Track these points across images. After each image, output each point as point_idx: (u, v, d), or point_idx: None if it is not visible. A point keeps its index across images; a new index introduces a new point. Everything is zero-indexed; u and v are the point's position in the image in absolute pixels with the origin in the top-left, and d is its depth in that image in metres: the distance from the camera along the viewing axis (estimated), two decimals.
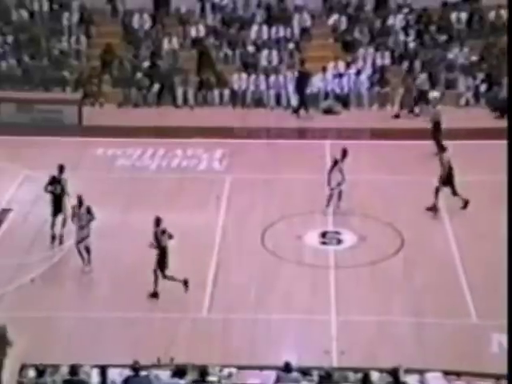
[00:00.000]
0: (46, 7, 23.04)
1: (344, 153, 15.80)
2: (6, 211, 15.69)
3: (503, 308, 10.74)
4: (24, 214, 15.90)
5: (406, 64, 21.93)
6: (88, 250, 14.17)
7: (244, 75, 21.82)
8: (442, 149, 16.56)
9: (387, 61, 22.11)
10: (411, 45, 22.28)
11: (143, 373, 10.75)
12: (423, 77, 21.21)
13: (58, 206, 14.88)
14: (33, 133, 19.29)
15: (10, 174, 16.01)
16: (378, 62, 22.05)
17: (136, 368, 10.67)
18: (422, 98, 20.70)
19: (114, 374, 10.91)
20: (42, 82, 21.56)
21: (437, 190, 15.72)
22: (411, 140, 19.21)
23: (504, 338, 11.70)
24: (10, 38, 22.03)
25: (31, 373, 10.77)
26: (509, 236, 13.44)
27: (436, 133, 18.38)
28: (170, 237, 13.51)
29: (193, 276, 13.88)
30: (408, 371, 10.89)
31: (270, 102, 21.61)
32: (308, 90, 21.23)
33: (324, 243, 15.22)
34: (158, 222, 13.51)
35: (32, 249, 14.78)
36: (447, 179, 15.68)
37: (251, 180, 17.46)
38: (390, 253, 14.73)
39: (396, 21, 22.68)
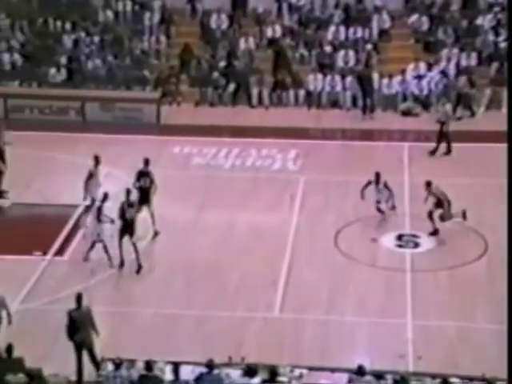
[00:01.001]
0: (129, 7, 23.58)
1: (377, 177, 15.50)
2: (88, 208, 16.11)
3: None
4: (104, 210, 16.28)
5: (495, 65, 21.35)
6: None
7: (320, 76, 21.75)
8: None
9: (473, 62, 21.61)
10: (502, 45, 21.69)
11: (215, 371, 10.87)
12: (463, 79, 20.68)
13: (144, 198, 15.16)
14: (114, 131, 19.78)
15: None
16: (464, 63, 21.57)
17: (210, 366, 10.81)
18: (462, 100, 20.29)
19: (187, 371, 11.07)
20: (124, 81, 22.08)
21: (430, 214, 15.01)
22: (491, 143, 18.72)
23: None
24: (96, 39, 22.66)
25: (109, 366, 11.06)
26: (509, 236, 13.23)
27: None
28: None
29: (265, 275, 13.99)
30: (493, 381, 10.60)
31: (346, 103, 21.49)
32: (386, 92, 20.99)
33: (400, 246, 15.03)
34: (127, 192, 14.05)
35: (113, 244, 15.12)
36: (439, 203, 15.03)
37: (325, 181, 17.39)
38: (472, 257, 14.41)
39: (485, 20, 22.13)
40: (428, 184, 15.13)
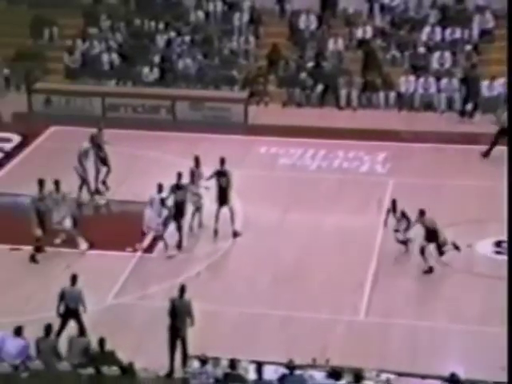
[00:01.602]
0: (219, 8, 23.82)
1: (393, 205, 14.81)
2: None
3: None
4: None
5: None
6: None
7: (412, 77, 21.33)
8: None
9: None
10: None
11: (298, 372, 10.82)
12: None
13: (223, 199, 15.28)
14: (202, 130, 20.00)
15: (180, 169, 16.60)
16: None
17: (291, 367, 10.76)
18: None
19: (270, 371, 11.08)
20: (213, 80, 22.30)
21: (422, 250, 14.11)
22: None
23: None
24: (187, 38, 22.97)
25: (195, 363, 11.17)
26: (509, 236, 13.01)
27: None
28: None
29: (351, 278, 13.82)
30: None
31: (440, 106, 20.95)
32: (486, 94, 20.39)
33: (498, 253, 14.54)
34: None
35: (198, 242, 15.32)
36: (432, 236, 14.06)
37: (416, 184, 17.02)
38: None
39: None
40: (421, 213, 14.10)
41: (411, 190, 16.58)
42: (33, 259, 14.46)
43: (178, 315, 11.65)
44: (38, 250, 14.53)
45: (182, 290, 11.83)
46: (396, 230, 14.52)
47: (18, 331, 11.19)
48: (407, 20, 22.57)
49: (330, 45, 22.52)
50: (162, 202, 14.80)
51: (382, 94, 21.41)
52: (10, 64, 22.45)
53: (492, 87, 20.55)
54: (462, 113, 20.40)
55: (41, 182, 14.73)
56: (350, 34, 22.74)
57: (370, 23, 22.77)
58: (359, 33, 22.64)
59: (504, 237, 14.75)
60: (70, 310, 12.01)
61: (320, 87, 21.73)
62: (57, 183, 14.88)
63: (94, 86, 22.05)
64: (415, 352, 12.10)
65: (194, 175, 15.51)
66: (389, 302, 13.29)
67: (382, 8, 22.93)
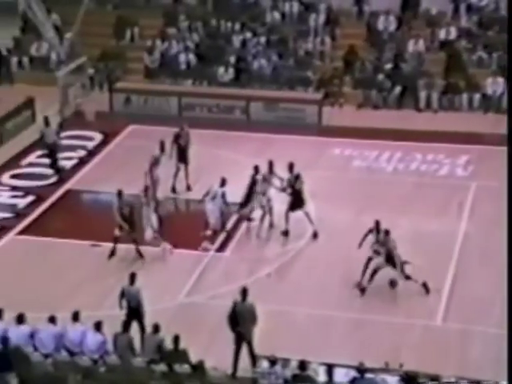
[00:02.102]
0: (295, 9, 23.76)
1: (377, 225, 13.92)
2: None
3: None
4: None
5: None
6: None
7: (501, 79, 20.67)
8: None
9: None
10: None
11: (369, 375, 10.64)
12: None
13: (297, 202, 15.22)
14: (276, 131, 19.97)
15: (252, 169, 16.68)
16: None
17: (362, 370, 10.60)
18: None
19: (340, 374, 10.93)
20: (288, 81, 22.26)
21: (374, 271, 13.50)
22: None
23: None
24: (262, 39, 23.02)
25: (264, 363, 11.12)
26: (509, 236, 12.76)
27: None
28: None
29: (428, 282, 13.48)
30: None
31: None
32: None
33: None
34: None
35: (269, 243, 15.29)
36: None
37: (499, 188, 16.41)
38: None
39: None
40: (386, 232, 13.45)
41: (494, 194, 16.06)
42: (112, 254, 14.61)
43: (240, 319, 11.50)
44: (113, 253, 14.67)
45: (244, 293, 11.65)
46: (375, 251, 13.58)
47: (98, 326, 11.39)
48: (497, 20, 21.89)
49: (410, 46, 22.12)
50: (223, 196, 14.85)
51: (465, 96, 20.85)
52: (94, 64, 23.00)
53: None
54: None
55: (119, 193, 14.66)
56: (432, 35, 22.26)
57: (454, 24, 22.23)
58: (442, 34, 22.14)
59: None
60: (132, 308, 12.08)
61: (398, 89, 21.37)
62: (146, 189, 14.87)
63: (171, 85, 22.35)
64: (498, 361, 11.65)
65: (266, 180, 15.48)
66: (468, 309, 12.93)
67: (469, 8, 22.34)
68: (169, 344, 11.14)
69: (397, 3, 23.06)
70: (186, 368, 10.92)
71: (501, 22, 21.60)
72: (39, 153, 19.00)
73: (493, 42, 21.54)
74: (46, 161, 18.14)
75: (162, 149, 16.72)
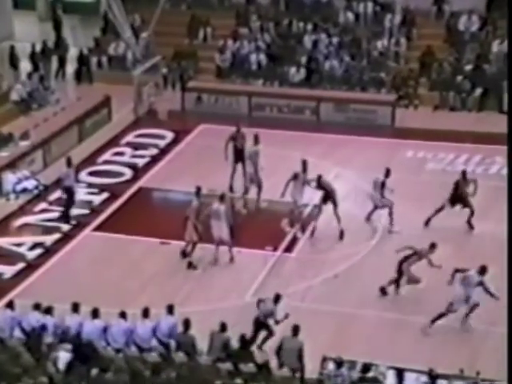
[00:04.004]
0: (370, 9, 23.47)
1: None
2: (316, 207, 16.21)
3: None
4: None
5: None
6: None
7: None
8: None
9: None
10: None
11: (441, 381, 10.34)
12: None
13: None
14: (347, 132, 19.74)
15: (321, 171, 16.54)
16: None
17: (433, 375, 10.32)
18: None
19: (411, 379, 10.70)
20: (360, 82, 21.99)
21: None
22: None
23: None
24: (335, 40, 22.85)
25: (330, 365, 10.99)
26: (509, 236, 12.66)
27: None
28: None
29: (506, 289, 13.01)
30: None
31: None
32: None
33: None
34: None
35: (337, 245, 15.12)
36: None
37: None
38: None
39: None
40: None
41: None
42: (190, 266, 14.45)
43: (285, 356, 11.04)
44: (185, 254, 14.63)
45: (296, 330, 11.10)
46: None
47: (171, 309, 11.57)
48: None
49: (495, 47, 21.50)
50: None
51: None
52: (168, 63, 23.30)
53: None
54: None
55: (198, 191, 14.58)
56: None
57: None
58: None
59: None
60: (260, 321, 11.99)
61: (479, 91, 20.80)
62: (222, 197, 14.63)
63: (242, 85, 22.41)
64: None
65: (298, 178, 15.35)
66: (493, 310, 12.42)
67: None
68: (235, 343, 11.12)
69: (482, 3, 22.47)
70: (251, 367, 10.88)
71: None
72: (115, 150, 19.36)
73: None
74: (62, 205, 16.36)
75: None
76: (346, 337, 12.23)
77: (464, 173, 15.58)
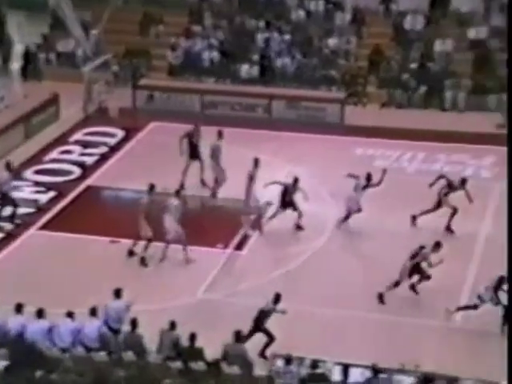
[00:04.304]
0: (321, 7, 23.62)
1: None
2: (268, 204, 16.35)
3: None
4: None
5: None
6: None
7: None
8: None
9: None
10: None
11: (383, 376, 10.57)
12: None
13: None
14: (298, 129, 19.90)
15: (273, 168, 16.66)
16: None
17: (376, 370, 10.54)
18: None
19: (356, 374, 10.88)
20: (311, 80, 22.17)
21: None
22: None
23: None
24: (287, 37, 22.96)
25: (280, 362, 11.11)
26: (509, 236, 12.85)
27: None
28: None
29: (450, 283, 13.35)
30: None
31: None
32: None
33: None
34: None
35: (288, 242, 15.26)
36: None
37: None
38: None
39: None
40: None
41: None
42: (142, 262, 14.47)
43: (232, 362, 11.00)
44: (132, 253, 14.68)
45: (238, 336, 11.16)
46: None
47: (118, 294, 11.60)
48: None
49: (438, 45, 21.90)
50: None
51: (493, 97, 20.54)
52: (119, 61, 23.14)
53: None
54: None
55: (151, 187, 14.67)
56: (462, 34, 22.01)
57: (485, 23, 21.94)
58: (472, 33, 21.88)
59: None
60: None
61: (423, 89, 21.17)
62: (178, 193, 14.72)
63: (194, 82, 22.39)
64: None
65: (253, 179, 15.50)
66: (487, 310, 12.73)
67: (502, 7, 22.04)
68: (185, 341, 11.15)
69: (425, 2, 22.83)
70: (201, 365, 10.93)
71: None
72: (63, 148, 19.20)
73: None
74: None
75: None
76: (296, 333, 12.34)
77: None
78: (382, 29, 22.98)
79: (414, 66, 21.67)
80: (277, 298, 11.96)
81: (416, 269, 13.18)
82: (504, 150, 18.25)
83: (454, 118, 20.51)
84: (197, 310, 13.05)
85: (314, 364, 10.85)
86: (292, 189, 15.37)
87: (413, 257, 13.22)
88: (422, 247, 13.28)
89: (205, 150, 17.08)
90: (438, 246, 13.29)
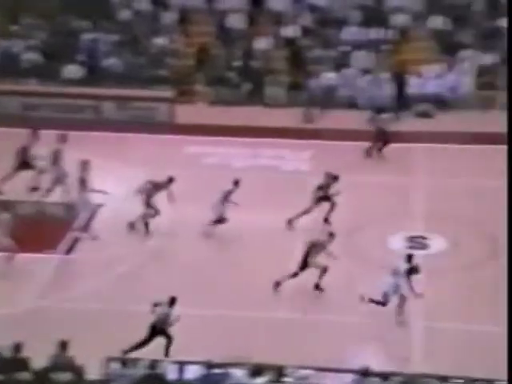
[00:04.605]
0: (147, 6, 23.54)
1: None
2: (99, 206, 16.21)
3: None
4: (115, 209, 16.29)
5: None
6: None
7: (334, 75, 21.56)
8: None
9: (494, 63, 21.23)
10: None
11: (218, 370, 10.88)
12: None
13: None
14: (129, 130, 19.80)
15: (106, 170, 16.50)
16: (484, 63, 21.22)
17: (210, 365, 10.83)
18: None
19: (191, 371, 11.08)
20: (141, 79, 22.02)
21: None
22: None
23: None
24: (114, 37, 22.68)
25: (115, 365, 11.11)
26: (509, 236, 13.26)
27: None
28: None
29: (271, 276, 13.88)
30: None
31: (364, 104, 20.83)
32: (402, 92, 20.84)
33: (410, 247, 14.92)
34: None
35: (118, 244, 15.21)
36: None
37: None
38: (482, 259, 14.24)
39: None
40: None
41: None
42: None
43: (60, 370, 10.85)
44: None
45: (64, 345, 10.95)
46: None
47: None
48: (332, 19, 22.79)
49: (258, 44, 22.61)
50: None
51: (306, 93, 21.48)
52: None
53: (408, 86, 20.80)
54: (381, 110, 20.65)
55: None
56: (277, 32, 22.87)
57: (297, 22, 22.91)
58: (286, 32, 22.78)
59: (415, 232, 15.18)
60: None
61: (247, 86, 21.81)
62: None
63: (14, 85, 21.39)
64: (332, 347, 12.31)
65: (85, 182, 15.48)
66: (303, 299, 13.47)
67: (310, 7, 23.11)
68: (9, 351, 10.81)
69: (245, 1, 23.39)
70: (26, 376, 10.64)
71: (335, 21, 22.54)
72: None
73: (329, 40, 22.35)
74: None
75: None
76: (130, 336, 12.30)
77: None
78: (207, 27, 23.29)
79: (237, 63, 22.24)
80: (172, 302, 11.92)
81: (306, 262, 13.59)
82: (321, 143, 19.46)
83: (275, 113, 21.12)
84: (27, 318, 12.69)
85: (153, 365, 10.91)
86: (152, 191, 15.27)
87: (309, 249, 13.65)
88: (316, 239, 13.77)
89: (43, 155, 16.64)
90: (331, 236, 13.79)
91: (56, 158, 16.50)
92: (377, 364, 11.37)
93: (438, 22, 22.17)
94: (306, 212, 15.56)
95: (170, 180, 15.69)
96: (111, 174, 16.99)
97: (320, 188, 15.67)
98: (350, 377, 10.88)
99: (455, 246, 14.84)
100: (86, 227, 15.43)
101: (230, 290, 13.68)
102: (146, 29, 23.09)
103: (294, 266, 14.19)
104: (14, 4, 23.28)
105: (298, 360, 11.50)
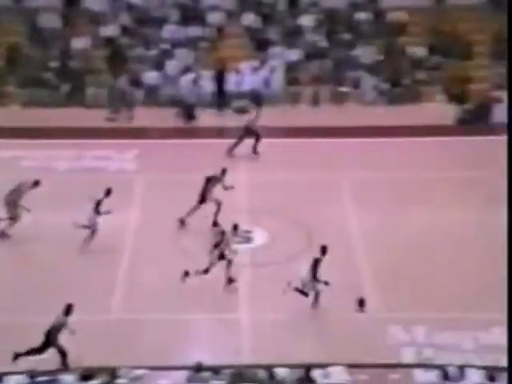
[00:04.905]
0: None
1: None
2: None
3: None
4: None
5: (317, 63, 22.12)
6: None
7: (156, 73, 21.55)
8: None
9: (298, 59, 22.18)
10: (321, 44, 22.46)
11: (44, 378, 10.57)
12: None
13: None
14: None
15: None
16: (289, 60, 22.13)
17: (34, 374, 10.48)
18: None
19: (13, 382, 10.72)
20: None
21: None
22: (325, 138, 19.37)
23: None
24: None
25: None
26: (509, 236, 13.29)
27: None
28: None
29: (107, 279, 13.75)
30: (313, 366, 11.18)
31: (189, 101, 20.83)
32: (222, 89, 21.24)
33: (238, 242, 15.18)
34: None
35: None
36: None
37: (165, 180, 17.30)
38: (299, 251, 14.79)
39: (306, 20, 22.85)
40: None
41: (161, 186, 16.95)
42: None
43: None
44: None
45: None
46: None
47: None
48: (150, 18, 22.73)
49: (76, 43, 22.06)
50: None
51: (129, 92, 21.19)
52: None
53: (225, 83, 21.27)
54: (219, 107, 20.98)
55: None
56: (96, 32, 22.43)
57: (115, 21, 22.61)
58: (105, 31, 22.40)
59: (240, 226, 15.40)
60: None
61: (66, 87, 21.21)
62: None
63: None
64: (165, 346, 12.33)
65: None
66: (140, 299, 13.42)
67: (127, 6, 22.89)
68: None
69: (59, 0, 22.73)
70: None
71: (153, 19, 22.40)
72: None
73: (149, 39, 22.28)
74: None
75: None
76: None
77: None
78: (17, 27, 22.33)
79: (54, 64, 21.55)
80: (68, 310, 11.39)
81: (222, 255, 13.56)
82: (145, 142, 19.40)
83: (97, 114, 20.59)
84: None
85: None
86: None
87: (217, 244, 13.64)
88: (223, 232, 13.78)
89: None
90: (235, 228, 13.82)
91: None
92: (210, 359, 11.56)
93: (249, 19, 22.83)
94: (194, 209, 15.54)
95: None
96: None
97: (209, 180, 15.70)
98: (184, 374, 11.00)
99: (274, 240, 15.27)
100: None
101: (64, 294, 13.08)
102: None
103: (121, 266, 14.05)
104: None
105: (131, 361, 11.42)
